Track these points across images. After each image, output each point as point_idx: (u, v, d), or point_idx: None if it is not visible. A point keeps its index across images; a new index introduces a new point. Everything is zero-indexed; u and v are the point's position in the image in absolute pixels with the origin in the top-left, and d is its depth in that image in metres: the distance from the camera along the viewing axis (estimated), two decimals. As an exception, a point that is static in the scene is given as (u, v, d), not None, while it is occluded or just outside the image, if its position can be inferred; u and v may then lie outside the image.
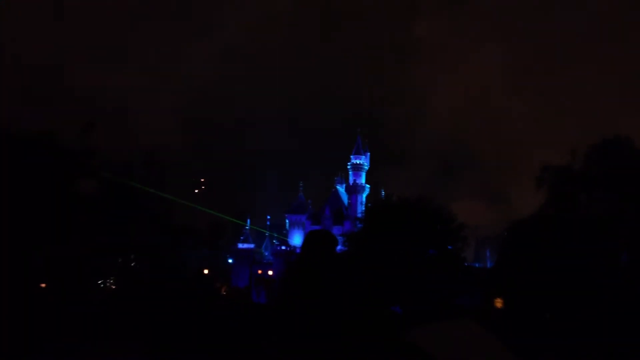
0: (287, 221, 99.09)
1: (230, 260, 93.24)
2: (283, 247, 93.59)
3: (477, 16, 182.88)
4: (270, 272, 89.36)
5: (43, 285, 30.75)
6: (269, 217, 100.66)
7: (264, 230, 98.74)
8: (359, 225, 54.79)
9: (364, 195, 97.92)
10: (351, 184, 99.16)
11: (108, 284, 43.30)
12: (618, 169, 32.47)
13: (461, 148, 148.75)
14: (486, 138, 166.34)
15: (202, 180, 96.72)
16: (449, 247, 45.34)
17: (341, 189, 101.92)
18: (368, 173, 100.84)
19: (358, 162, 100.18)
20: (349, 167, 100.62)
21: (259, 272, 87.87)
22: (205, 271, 66.87)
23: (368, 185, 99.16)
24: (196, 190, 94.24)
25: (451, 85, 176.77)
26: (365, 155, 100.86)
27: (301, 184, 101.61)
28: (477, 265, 69.49)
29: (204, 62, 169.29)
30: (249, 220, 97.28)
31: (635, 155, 33.30)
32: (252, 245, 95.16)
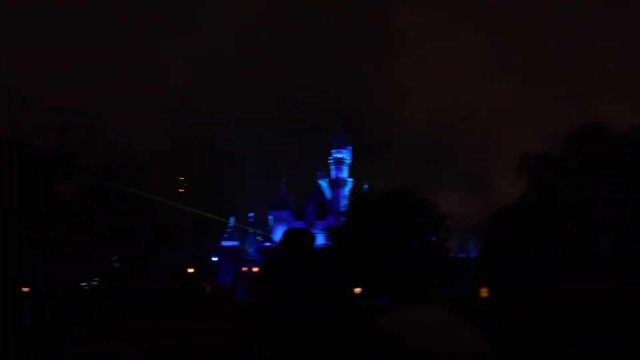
0: (270, 217, 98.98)
1: (214, 259, 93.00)
2: (267, 244, 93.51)
3: (456, 6, 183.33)
4: (255, 269, 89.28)
5: (26, 289, 30.52)
6: (252, 214, 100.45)
7: (248, 228, 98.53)
8: (343, 219, 54.89)
9: (347, 189, 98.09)
10: (333, 178, 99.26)
11: (92, 285, 43.04)
12: (597, 155, 32.77)
13: (443, 139, 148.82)
14: (468, 128, 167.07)
15: (183, 179, 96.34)
16: (433, 237, 45.60)
17: (324, 183, 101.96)
18: (351, 167, 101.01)
19: (339, 157, 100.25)
20: (330, 161, 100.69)
21: (244, 269, 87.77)
22: (190, 270, 66.63)
23: (351, 179, 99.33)
24: (180, 190, 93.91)
25: (431, 76, 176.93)
26: (347, 149, 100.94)
27: (283, 180, 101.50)
28: (461, 255, 69.95)
29: (184, 61, 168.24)
30: (232, 218, 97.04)
31: (614, 141, 33.63)
32: (236, 243, 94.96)
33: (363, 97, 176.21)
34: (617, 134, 34.44)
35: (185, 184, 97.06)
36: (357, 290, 41.17)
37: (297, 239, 5.42)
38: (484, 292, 37.80)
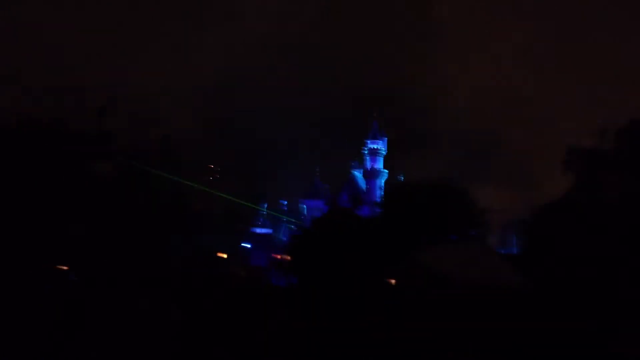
0: (304, 207, 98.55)
1: (247, 245, 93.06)
2: (300, 233, 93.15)
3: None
4: (288, 257, 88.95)
5: (65, 267, 30.57)
6: (285, 202, 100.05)
7: (281, 216, 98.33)
8: (377, 211, 54.08)
9: (382, 180, 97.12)
10: (368, 168, 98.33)
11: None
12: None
13: (485, 131, 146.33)
14: (512, 120, 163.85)
15: (213, 167, 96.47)
16: (472, 232, 44.54)
17: (358, 174, 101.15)
18: (386, 158, 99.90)
19: (375, 147, 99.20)
20: (365, 152, 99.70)
21: (277, 256, 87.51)
22: (224, 255, 66.65)
23: (386, 171, 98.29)
24: (211, 178, 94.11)
25: (475, 66, 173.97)
26: (383, 140, 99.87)
27: (317, 169, 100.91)
28: (502, 251, 68.48)
29: (223, 49, 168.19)
30: (265, 205, 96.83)
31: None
32: (269, 230, 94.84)
33: (402, 88, 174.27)
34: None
35: (218, 171, 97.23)
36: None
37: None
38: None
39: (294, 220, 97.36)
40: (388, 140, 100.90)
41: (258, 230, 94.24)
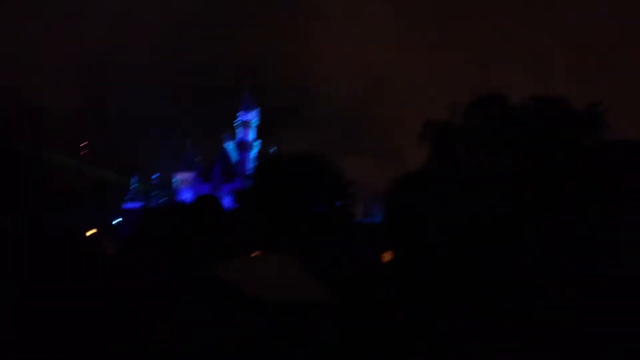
0: (175, 179, 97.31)
1: (117, 220, 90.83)
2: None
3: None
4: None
5: None
6: (155, 175, 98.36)
7: (152, 189, 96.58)
8: (249, 182, 54.64)
9: (255, 152, 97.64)
10: (240, 140, 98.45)
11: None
12: (496, 123, 34.01)
13: (354, 106, 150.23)
14: (379, 96, 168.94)
15: (85, 143, 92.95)
16: (337, 203, 46.14)
17: (231, 146, 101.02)
18: (260, 131, 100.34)
19: (246, 119, 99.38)
20: (237, 123, 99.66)
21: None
22: (92, 231, 64.80)
23: (259, 141, 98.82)
24: (82, 152, 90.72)
25: (342, 43, 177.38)
26: (254, 112, 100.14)
27: (189, 141, 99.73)
28: (367, 221, 71.33)
29: (98, 24, 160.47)
30: (136, 178, 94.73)
31: (510, 110, 34.97)
32: (138, 204, 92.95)
33: (273, 59, 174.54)
34: (516, 103, 35.77)
35: (86, 146, 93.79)
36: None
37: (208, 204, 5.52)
38: (387, 256, 38.72)
39: (164, 193, 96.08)
40: (261, 112, 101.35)
41: (127, 205, 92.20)
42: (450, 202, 30.95)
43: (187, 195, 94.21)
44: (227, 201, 77.93)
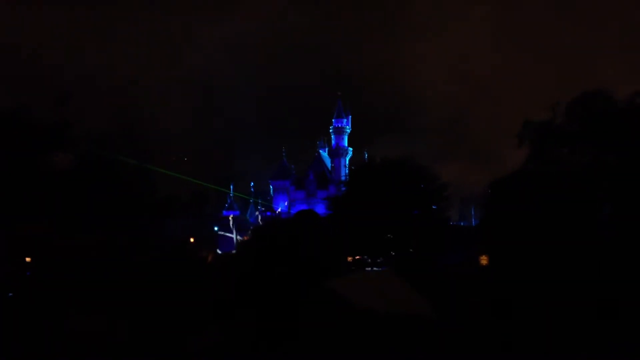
0: (271, 187, 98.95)
1: (215, 228, 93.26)
2: (268, 213, 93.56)
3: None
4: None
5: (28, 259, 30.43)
6: (252, 183, 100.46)
7: (248, 197, 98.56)
8: (343, 189, 54.77)
9: (347, 158, 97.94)
10: (334, 147, 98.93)
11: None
12: (598, 122, 32.38)
13: (449, 109, 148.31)
14: (475, 98, 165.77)
15: (183, 155, 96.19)
16: (433, 206, 45.51)
17: (324, 153, 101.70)
18: (352, 136, 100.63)
19: (339, 126, 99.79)
20: (331, 130, 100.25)
21: (245, 238, 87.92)
22: (191, 240, 66.73)
23: (351, 148, 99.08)
24: (173, 159, 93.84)
25: (436, 47, 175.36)
26: (347, 119, 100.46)
27: (284, 150, 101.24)
28: (462, 223, 70.01)
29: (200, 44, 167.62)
30: (232, 187, 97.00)
31: (615, 107, 33.20)
32: (237, 212, 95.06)
33: (367, 67, 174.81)
34: (619, 100, 33.96)
35: (185, 157, 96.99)
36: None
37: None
38: (483, 260, 37.75)
39: (260, 202, 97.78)
40: (354, 118, 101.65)
41: (226, 213, 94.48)
42: (551, 204, 29.77)
43: (282, 203, 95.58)
44: (320, 208, 78.48)
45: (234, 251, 77.80)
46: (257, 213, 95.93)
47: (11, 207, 25.55)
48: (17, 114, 29.04)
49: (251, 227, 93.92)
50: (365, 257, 43.18)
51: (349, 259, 44.13)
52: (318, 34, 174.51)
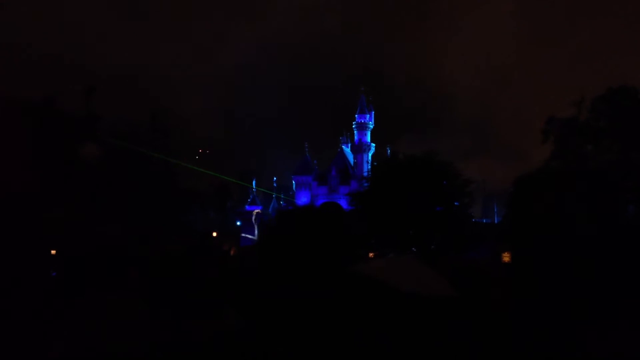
0: (293, 182, 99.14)
1: (238, 223, 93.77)
2: (290, 208, 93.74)
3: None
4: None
5: (53, 252, 30.97)
6: (275, 178, 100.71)
7: (271, 192, 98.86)
8: (366, 184, 54.73)
9: (370, 154, 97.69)
10: (356, 143, 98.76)
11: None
12: (623, 118, 32.10)
13: (470, 105, 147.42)
14: (497, 94, 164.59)
15: (205, 149, 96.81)
16: (456, 203, 45.29)
17: (347, 148, 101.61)
18: (375, 132, 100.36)
19: (362, 121, 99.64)
20: (353, 126, 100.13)
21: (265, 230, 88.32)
22: (214, 234, 67.23)
23: (374, 144, 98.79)
24: (199, 151, 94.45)
25: (459, 42, 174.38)
26: (370, 114, 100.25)
27: (306, 145, 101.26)
28: (485, 220, 69.65)
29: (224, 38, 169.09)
30: (254, 182, 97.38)
31: (641, 104, 32.91)
32: (259, 207, 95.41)
33: (390, 61, 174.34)
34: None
35: (207, 151, 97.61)
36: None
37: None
38: (506, 257, 37.54)
39: (283, 197, 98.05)
40: (376, 114, 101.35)
41: (248, 208, 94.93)
42: (577, 201, 29.50)
43: (304, 198, 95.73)
44: (342, 203, 78.50)
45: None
46: (279, 208, 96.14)
47: (41, 195, 26.05)
48: (49, 105, 29.57)
49: (275, 214, 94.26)
50: (387, 252, 43.17)
51: (370, 254, 44.15)
52: (345, 32, 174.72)
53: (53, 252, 30.94)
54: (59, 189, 26.71)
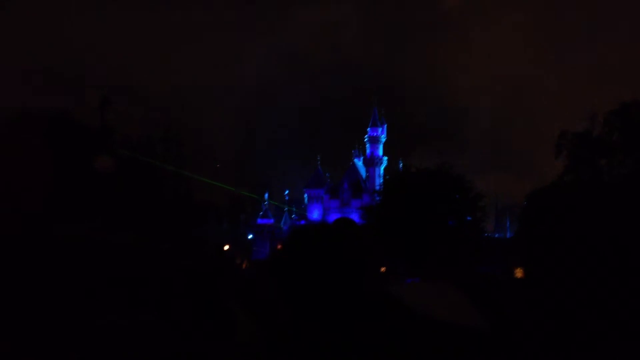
0: (305, 195, 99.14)
1: (250, 236, 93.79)
2: (302, 222, 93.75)
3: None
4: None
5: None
6: (287, 191, 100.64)
7: (283, 205, 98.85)
8: (377, 198, 54.78)
9: (382, 168, 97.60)
10: (368, 156, 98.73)
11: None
12: (637, 133, 32.00)
13: (483, 119, 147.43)
14: (508, 107, 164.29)
15: (217, 163, 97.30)
16: (468, 217, 45.25)
17: (359, 162, 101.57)
18: (387, 146, 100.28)
19: (375, 134, 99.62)
20: (365, 139, 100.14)
21: (279, 246, 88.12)
22: (226, 247, 67.37)
23: (386, 157, 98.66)
24: (218, 165, 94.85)
25: (473, 54, 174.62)
26: (383, 127, 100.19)
27: (319, 158, 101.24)
28: (497, 235, 69.32)
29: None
30: (267, 195, 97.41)
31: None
32: (271, 220, 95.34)
33: (403, 74, 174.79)
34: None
35: (218, 164, 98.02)
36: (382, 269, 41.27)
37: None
38: (518, 273, 37.39)
39: (295, 210, 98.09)
40: (390, 128, 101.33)
41: (260, 221, 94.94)
42: (591, 216, 29.41)
43: (316, 212, 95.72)
44: (354, 217, 78.41)
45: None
46: (290, 221, 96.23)
47: (53, 207, 26.26)
48: (65, 115, 29.94)
49: (284, 235, 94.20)
50: (397, 267, 43.14)
51: (382, 269, 44.07)
52: (359, 46, 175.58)
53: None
54: (75, 201, 26.96)
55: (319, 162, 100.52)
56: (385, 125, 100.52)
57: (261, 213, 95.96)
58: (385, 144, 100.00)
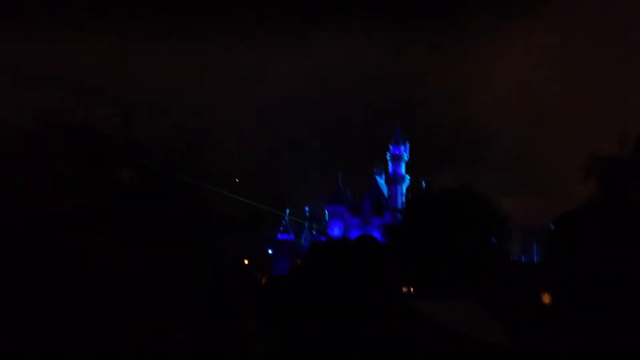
0: (326, 212, 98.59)
1: (270, 251, 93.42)
2: (322, 238, 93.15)
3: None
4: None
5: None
6: (307, 207, 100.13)
7: (303, 221, 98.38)
8: (399, 217, 54.20)
9: (404, 186, 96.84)
10: (391, 174, 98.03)
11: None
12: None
13: (508, 139, 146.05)
14: (537, 129, 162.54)
15: (238, 177, 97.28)
16: (493, 240, 44.47)
17: (380, 179, 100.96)
18: (409, 164, 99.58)
19: (397, 153, 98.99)
20: (387, 157, 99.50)
21: (298, 262, 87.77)
22: (245, 261, 67.05)
23: (408, 176, 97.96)
24: (237, 180, 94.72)
25: (497, 75, 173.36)
26: (405, 146, 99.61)
27: (340, 174, 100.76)
28: (523, 258, 68.12)
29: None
30: (287, 210, 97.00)
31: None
32: (291, 236, 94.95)
33: (427, 94, 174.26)
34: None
35: (237, 180, 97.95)
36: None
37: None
38: (546, 298, 36.47)
39: (315, 226, 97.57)
40: (413, 147, 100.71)
41: (280, 236, 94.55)
42: (621, 242, 28.58)
43: (337, 229, 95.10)
44: (376, 235, 77.68)
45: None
46: (311, 237, 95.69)
47: (75, 217, 26.16)
48: (90, 128, 29.98)
49: (303, 251, 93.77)
50: (422, 285, 42.41)
51: (404, 289, 43.35)
52: (385, 66, 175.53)
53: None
54: (99, 213, 26.89)
55: (340, 179, 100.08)
56: (408, 144, 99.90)
57: (281, 228, 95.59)
58: (407, 163, 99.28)
